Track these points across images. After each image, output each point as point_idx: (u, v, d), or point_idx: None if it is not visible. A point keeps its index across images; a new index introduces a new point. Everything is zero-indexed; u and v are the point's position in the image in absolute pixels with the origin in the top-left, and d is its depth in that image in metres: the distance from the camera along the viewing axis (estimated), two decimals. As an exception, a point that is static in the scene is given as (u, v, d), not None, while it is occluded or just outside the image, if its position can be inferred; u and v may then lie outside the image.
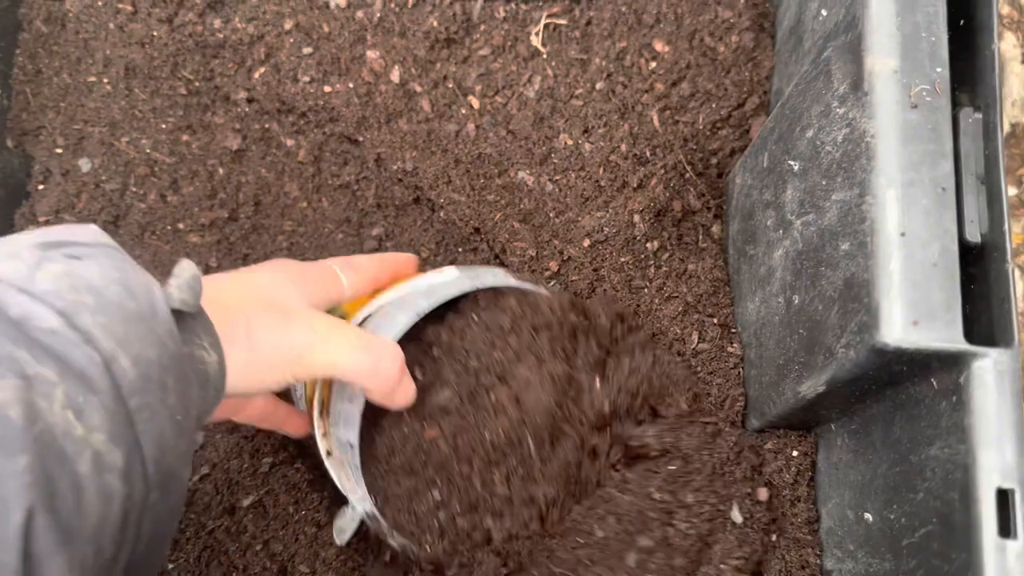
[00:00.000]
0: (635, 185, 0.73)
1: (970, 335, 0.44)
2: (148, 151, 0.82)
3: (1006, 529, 0.43)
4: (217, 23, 0.81)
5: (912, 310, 0.43)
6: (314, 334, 0.52)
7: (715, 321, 0.69)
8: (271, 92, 0.81)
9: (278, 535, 0.73)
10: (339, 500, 0.65)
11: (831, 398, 0.54)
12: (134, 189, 0.81)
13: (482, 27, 0.81)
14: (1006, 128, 0.96)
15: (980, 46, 0.49)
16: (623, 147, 0.75)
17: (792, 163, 0.57)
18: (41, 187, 0.81)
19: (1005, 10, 1.00)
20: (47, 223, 0.79)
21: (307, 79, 0.80)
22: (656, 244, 0.72)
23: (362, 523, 0.62)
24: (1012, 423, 0.43)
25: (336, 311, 0.62)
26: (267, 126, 0.83)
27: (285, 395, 0.70)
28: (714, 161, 0.76)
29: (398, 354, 0.56)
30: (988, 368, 0.44)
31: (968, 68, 0.49)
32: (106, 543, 0.34)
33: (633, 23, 0.79)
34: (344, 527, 0.63)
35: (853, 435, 0.57)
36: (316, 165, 0.82)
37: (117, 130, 0.82)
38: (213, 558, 0.72)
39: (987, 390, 0.44)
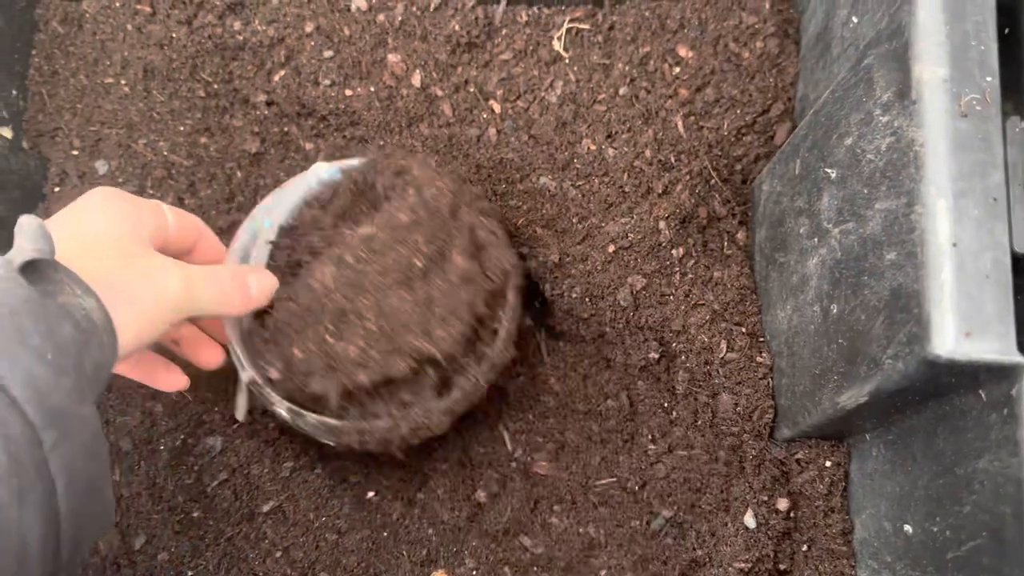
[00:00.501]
0: (660, 191, 0.73)
1: (1022, 347, 0.43)
2: (166, 153, 0.81)
3: (1059, 543, 0.42)
4: (237, 25, 0.80)
5: (965, 322, 0.43)
6: (178, 280, 0.54)
7: (743, 330, 0.68)
8: (291, 95, 0.80)
9: (298, 542, 0.72)
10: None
11: (871, 409, 0.53)
12: (151, 191, 0.80)
13: (504, 31, 0.81)
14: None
15: (1026, 55, 0.49)
16: (647, 152, 0.75)
17: (829, 171, 0.57)
18: (57, 189, 0.80)
19: None
20: (63, 226, 0.78)
21: (327, 82, 0.80)
22: (681, 251, 0.72)
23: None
24: (1064, 436, 0.43)
25: None
26: (286, 129, 0.82)
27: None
28: (739, 167, 0.76)
29: (237, 274, 0.61)
30: (1041, 381, 0.43)
31: (1014, 77, 0.49)
32: None
33: (657, 28, 0.78)
34: (239, 402, 0.71)
35: (890, 446, 0.57)
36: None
37: (134, 132, 0.81)
38: (233, 565, 0.72)
39: (1040, 403, 0.43)
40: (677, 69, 0.77)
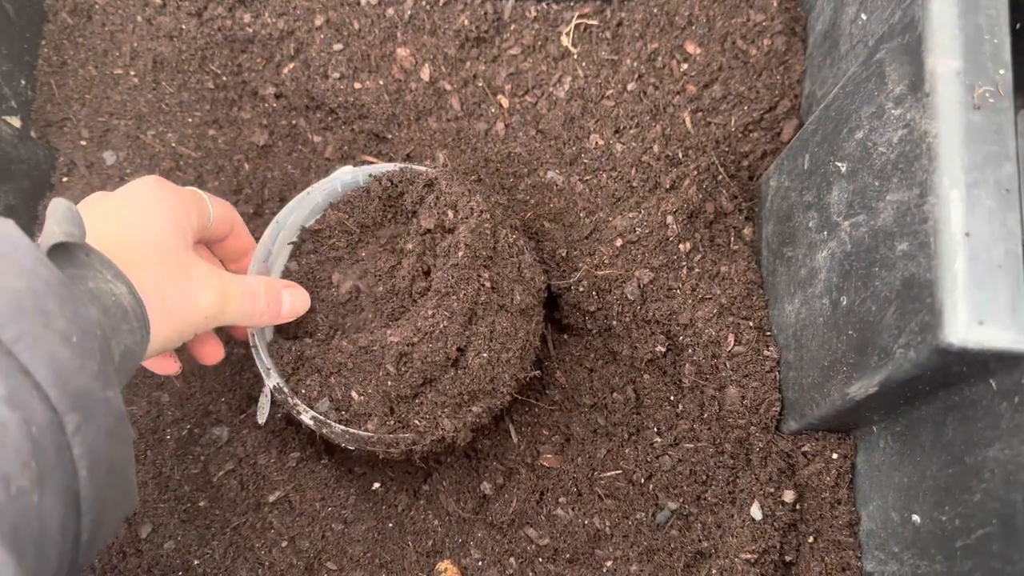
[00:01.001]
0: (668, 186, 0.73)
1: (1033, 336, 0.44)
2: (174, 145, 0.81)
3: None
4: (247, 18, 0.80)
5: (977, 310, 0.43)
6: (215, 293, 0.55)
7: (750, 324, 0.69)
8: (300, 88, 0.81)
9: (304, 532, 0.72)
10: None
11: (880, 399, 0.54)
12: (159, 183, 0.80)
13: (512, 26, 0.81)
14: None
15: (1036, 49, 0.50)
16: (655, 148, 0.75)
17: (839, 164, 0.57)
18: (65, 179, 0.80)
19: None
20: (71, 216, 0.78)
21: (337, 75, 0.80)
22: (688, 245, 0.72)
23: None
24: (1074, 424, 0.43)
25: None
26: (294, 122, 0.82)
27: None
28: (745, 163, 0.76)
29: (272, 290, 0.63)
30: (1050, 370, 0.44)
31: (1024, 71, 0.50)
32: (14, 469, 0.33)
33: (665, 25, 0.79)
34: (262, 405, 0.69)
35: (898, 437, 0.57)
36: (344, 162, 0.82)
37: (143, 123, 0.81)
38: (239, 555, 0.72)
39: (1049, 391, 0.44)
40: (685, 65, 0.78)
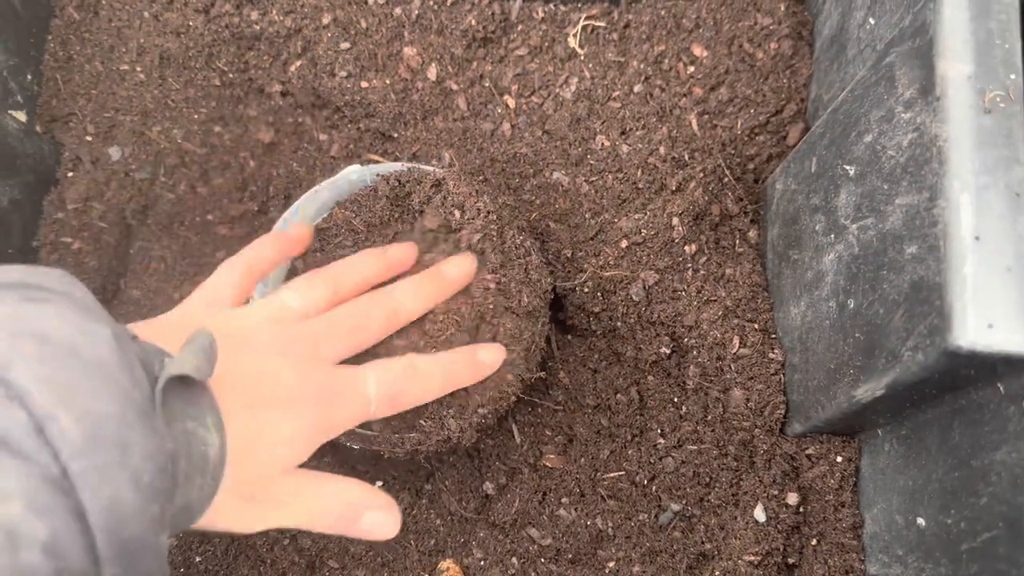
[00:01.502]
0: (674, 188, 0.73)
1: (1042, 340, 0.44)
2: (179, 141, 0.81)
3: (1076, 534, 0.43)
4: (254, 15, 0.80)
5: (986, 313, 0.43)
6: (305, 516, 0.50)
7: (755, 326, 0.69)
8: (306, 86, 0.81)
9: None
10: None
11: (886, 402, 0.54)
12: (164, 179, 0.81)
13: (520, 27, 0.81)
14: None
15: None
16: (661, 150, 0.75)
17: (847, 168, 0.58)
18: (70, 174, 0.80)
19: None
20: (76, 211, 0.79)
21: (344, 74, 0.80)
22: (694, 247, 0.72)
23: None
24: (1082, 429, 0.43)
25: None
26: (300, 120, 0.82)
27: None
28: (751, 167, 0.77)
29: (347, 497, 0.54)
30: (1059, 373, 0.44)
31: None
32: None
33: (672, 27, 0.79)
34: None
35: (903, 440, 0.57)
36: (349, 161, 0.82)
37: (149, 119, 0.81)
38: (241, 552, 0.72)
39: (1057, 395, 0.44)
40: (692, 68, 0.78)
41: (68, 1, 0.83)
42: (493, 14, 0.80)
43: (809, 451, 0.65)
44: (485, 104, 0.80)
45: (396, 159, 0.81)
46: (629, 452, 0.73)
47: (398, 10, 0.81)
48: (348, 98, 0.80)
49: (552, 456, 0.74)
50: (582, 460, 0.74)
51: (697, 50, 0.78)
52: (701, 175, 0.73)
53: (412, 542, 0.72)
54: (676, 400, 0.72)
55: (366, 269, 0.63)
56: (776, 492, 0.66)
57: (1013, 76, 0.47)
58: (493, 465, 0.75)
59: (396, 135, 0.81)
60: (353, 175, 0.71)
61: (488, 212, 0.66)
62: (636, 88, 0.78)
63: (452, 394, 0.64)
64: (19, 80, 0.79)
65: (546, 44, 0.81)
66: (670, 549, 0.69)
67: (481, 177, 0.77)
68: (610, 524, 0.71)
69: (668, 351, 0.72)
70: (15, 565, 0.29)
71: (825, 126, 0.63)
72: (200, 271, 0.80)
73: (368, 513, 0.54)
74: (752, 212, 0.75)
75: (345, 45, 0.80)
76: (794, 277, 0.66)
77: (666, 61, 0.78)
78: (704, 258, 0.72)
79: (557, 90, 0.80)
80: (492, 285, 0.65)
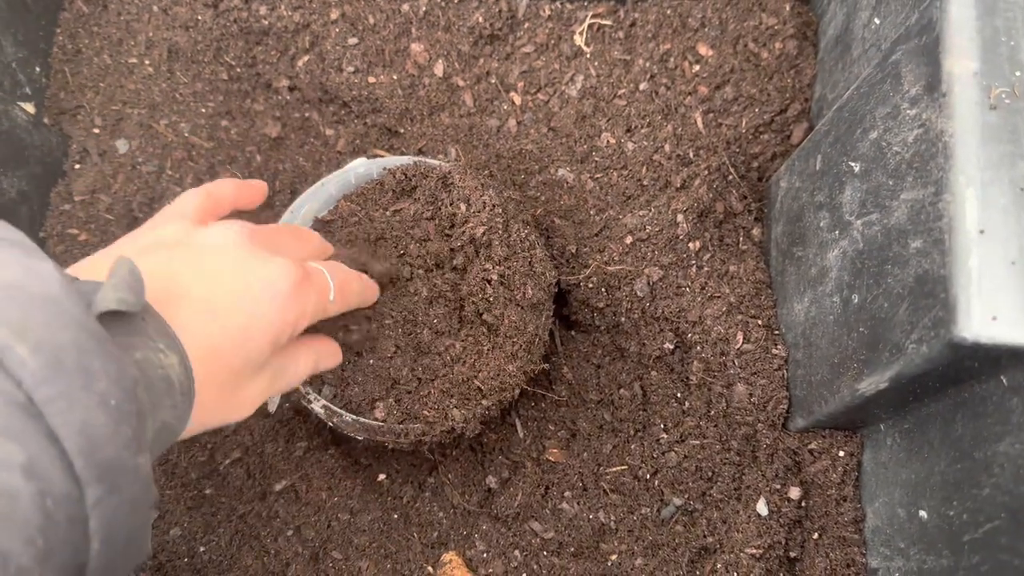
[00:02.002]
0: (678, 185, 0.74)
1: (1046, 333, 0.44)
2: (186, 135, 0.81)
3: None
4: (263, 10, 0.81)
5: (990, 306, 0.44)
6: (270, 381, 0.52)
7: (759, 322, 0.70)
8: (314, 81, 0.81)
9: (310, 521, 0.73)
10: None
11: (890, 395, 0.54)
12: (170, 172, 0.81)
13: (526, 24, 0.82)
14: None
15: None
16: (667, 147, 0.76)
17: (852, 164, 0.58)
18: (78, 166, 0.80)
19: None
20: (83, 203, 0.79)
21: (351, 69, 0.80)
22: (698, 244, 0.73)
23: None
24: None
25: None
26: (307, 115, 0.83)
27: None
28: (755, 165, 0.77)
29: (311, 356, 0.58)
30: (1061, 366, 0.44)
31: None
32: (17, 546, 0.30)
33: (678, 26, 0.80)
34: (274, 397, 0.69)
35: (906, 434, 0.58)
36: (355, 156, 0.82)
37: (156, 112, 0.82)
38: (244, 543, 0.72)
39: (1059, 388, 0.44)
40: (697, 67, 0.78)
41: (77, -6, 0.83)
42: (500, 11, 0.81)
43: (811, 446, 0.65)
44: (491, 101, 0.81)
45: (402, 154, 0.81)
46: (632, 447, 0.73)
47: (406, 6, 0.81)
48: (355, 93, 0.80)
49: (555, 450, 0.75)
50: (585, 454, 0.74)
51: (702, 49, 0.79)
52: (706, 173, 0.73)
53: (415, 534, 0.73)
54: (679, 395, 0.73)
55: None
56: (778, 486, 0.66)
57: (1019, 73, 0.47)
58: (496, 459, 0.75)
59: (402, 130, 0.81)
60: (360, 168, 0.71)
61: (494, 205, 0.66)
62: (642, 86, 0.79)
63: (456, 384, 0.65)
64: (28, 72, 0.79)
65: (552, 42, 0.81)
66: (672, 543, 0.69)
67: (487, 172, 0.77)
68: (613, 518, 0.72)
69: (671, 347, 0.72)
70: None
71: (830, 124, 0.63)
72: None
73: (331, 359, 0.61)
74: (756, 210, 0.76)
75: (353, 41, 0.81)
76: (798, 273, 0.67)
77: (672, 60, 0.79)
78: (708, 255, 0.73)
79: (563, 87, 0.81)
80: (494, 276, 0.66)
